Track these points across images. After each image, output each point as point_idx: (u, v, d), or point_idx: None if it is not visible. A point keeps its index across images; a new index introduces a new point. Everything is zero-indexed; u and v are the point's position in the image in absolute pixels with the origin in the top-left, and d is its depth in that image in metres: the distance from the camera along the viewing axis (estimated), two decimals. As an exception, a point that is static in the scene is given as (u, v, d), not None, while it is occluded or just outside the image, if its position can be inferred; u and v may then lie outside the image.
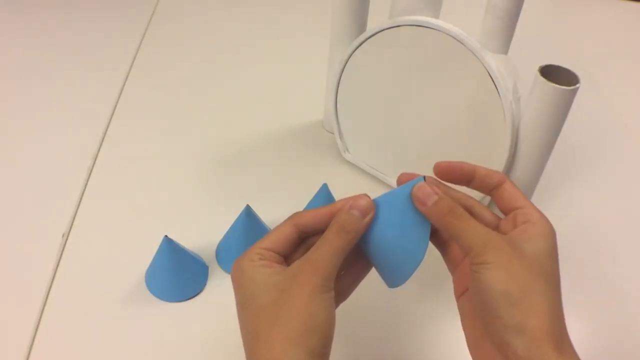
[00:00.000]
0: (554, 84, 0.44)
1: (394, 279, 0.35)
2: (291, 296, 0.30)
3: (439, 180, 0.36)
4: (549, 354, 0.28)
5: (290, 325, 0.30)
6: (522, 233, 0.32)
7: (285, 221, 0.35)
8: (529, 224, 0.32)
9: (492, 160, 0.50)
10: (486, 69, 0.46)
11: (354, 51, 0.54)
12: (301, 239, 0.35)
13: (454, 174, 0.35)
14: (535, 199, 0.55)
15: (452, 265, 0.37)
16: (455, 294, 0.36)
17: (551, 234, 0.32)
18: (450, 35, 0.47)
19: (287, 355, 0.29)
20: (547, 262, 0.31)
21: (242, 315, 0.32)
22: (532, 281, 0.29)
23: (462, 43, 0.46)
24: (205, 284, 0.49)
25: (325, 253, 0.31)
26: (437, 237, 0.37)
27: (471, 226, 0.31)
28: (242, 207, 0.48)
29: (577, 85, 0.44)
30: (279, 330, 0.30)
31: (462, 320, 0.35)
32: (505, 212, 0.35)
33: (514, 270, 0.29)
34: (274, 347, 0.29)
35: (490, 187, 0.35)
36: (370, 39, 0.52)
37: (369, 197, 0.34)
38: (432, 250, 0.36)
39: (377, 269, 0.36)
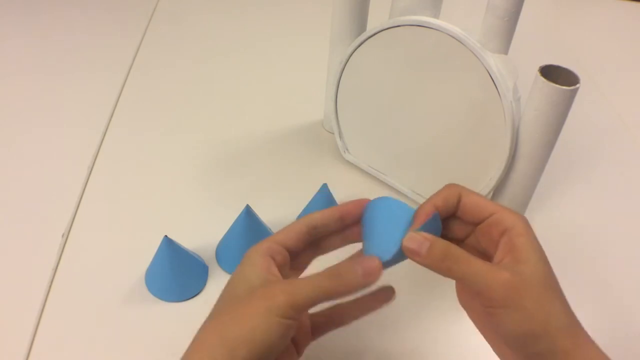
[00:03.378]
0: (554, 84, 0.44)
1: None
2: (250, 303, 0.30)
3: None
4: (580, 355, 0.29)
5: (230, 327, 0.29)
6: (512, 261, 0.31)
7: (298, 220, 0.35)
8: (511, 244, 0.32)
9: (492, 160, 0.50)
10: (486, 69, 0.46)
11: (354, 51, 0.54)
12: (312, 237, 0.35)
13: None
14: (535, 199, 0.55)
15: None
16: (460, 301, 0.36)
17: (530, 234, 0.32)
18: (450, 35, 0.47)
19: (210, 351, 0.29)
20: (544, 269, 0.31)
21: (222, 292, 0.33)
22: (547, 310, 0.30)
23: (462, 43, 0.46)
24: (205, 284, 0.49)
25: (305, 284, 0.31)
26: None
27: (471, 267, 0.31)
28: (242, 207, 0.48)
29: (577, 85, 0.44)
30: (220, 325, 0.30)
31: (478, 328, 0.34)
32: (476, 224, 0.34)
33: (528, 307, 0.30)
34: (207, 338, 0.30)
35: (453, 207, 0.34)
36: (370, 39, 0.52)
37: (380, 264, 0.31)
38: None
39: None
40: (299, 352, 0.35)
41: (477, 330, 0.34)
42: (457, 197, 0.34)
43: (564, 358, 0.29)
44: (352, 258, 0.35)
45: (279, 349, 0.30)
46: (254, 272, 0.32)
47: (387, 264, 0.32)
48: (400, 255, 0.33)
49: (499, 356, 0.33)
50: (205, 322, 0.32)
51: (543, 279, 0.31)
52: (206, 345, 0.30)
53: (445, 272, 0.31)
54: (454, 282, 0.34)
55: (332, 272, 0.31)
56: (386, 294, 0.36)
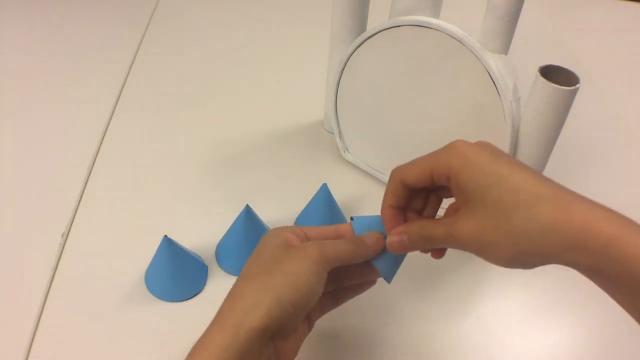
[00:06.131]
0: (554, 84, 0.44)
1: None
2: (289, 257, 0.33)
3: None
4: (561, 213, 0.31)
5: (275, 275, 0.32)
6: (464, 205, 0.32)
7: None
8: (456, 186, 0.33)
9: (492, 160, 0.50)
10: (486, 69, 0.46)
11: (354, 51, 0.54)
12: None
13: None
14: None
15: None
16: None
17: (466, 165, 0.32)
18: (450, 35, 0.47)
19: (256, 296, 0.32)
20: (493, 194, 0.31)
21: (247, 263, 0.35)
22: (517, 229, 0.30)
23: (462, 43, 0.46)
24: (204, 284, 0.49)
25: (332, 244, 0.35)
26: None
27: (438, 229, 0.33)
28: (242, 207, 0.48)
29: (577, 86, 0.44)
30: (262, 276, 0.33)
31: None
32: (434, 186, 0.36)
33: (496, 240, 0.30)
34: (247, 288, 0.33)
35: (405, 192, 0.35)
36: (370, 39, 0.52)
37: (381, 235, 0.37)
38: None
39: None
40: (310, 326, 0.38)
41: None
42: (400, 183, 0.35)
43: (550, 259, 0.30)
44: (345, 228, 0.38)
45: (318, 294, 0.33)
46: (282, 239, 0.35)
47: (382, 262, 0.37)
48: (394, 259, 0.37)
49: None
50: (238, 283, 0.34)
51: (496, 203, 0.30)
52: (249, 292, 0.32)
53: (430, 247, 0.35)
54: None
55: (349, 239, 0.36)
56: (370, 283, 0.40)
